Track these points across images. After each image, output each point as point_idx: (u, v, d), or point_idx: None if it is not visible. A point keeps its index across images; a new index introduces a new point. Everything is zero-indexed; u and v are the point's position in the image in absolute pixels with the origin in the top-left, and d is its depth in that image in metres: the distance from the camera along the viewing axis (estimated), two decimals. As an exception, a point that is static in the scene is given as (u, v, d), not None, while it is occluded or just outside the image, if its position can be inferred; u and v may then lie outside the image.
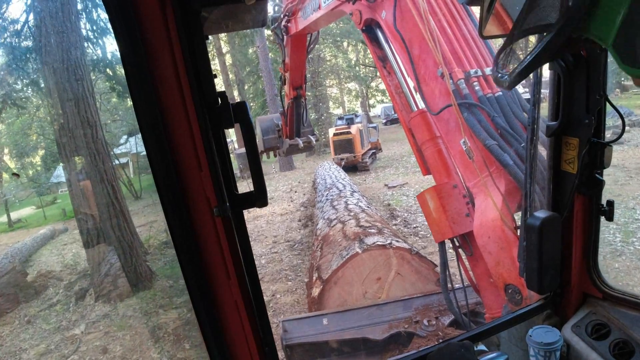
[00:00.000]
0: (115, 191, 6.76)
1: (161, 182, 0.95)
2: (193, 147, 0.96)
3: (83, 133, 6.38)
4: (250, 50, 25.75)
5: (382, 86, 36.85)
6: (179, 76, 0.92)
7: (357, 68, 30.56)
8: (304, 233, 9.12)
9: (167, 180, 0.95)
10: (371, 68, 30.63)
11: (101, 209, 6.68)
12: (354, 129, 15.79)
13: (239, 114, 0.99)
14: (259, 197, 1.03)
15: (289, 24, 4.40)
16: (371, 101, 35.98)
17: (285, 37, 4.61)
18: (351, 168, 15.70)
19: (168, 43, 0.90)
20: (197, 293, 1.03)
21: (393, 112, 30.95)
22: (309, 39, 4.58)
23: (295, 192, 14.58)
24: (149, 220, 11.37)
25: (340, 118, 18.21)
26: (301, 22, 4.08)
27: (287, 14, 4.30)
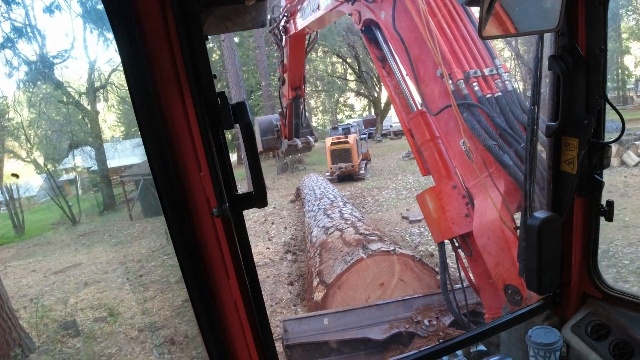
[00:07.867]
0: None
1: (161, 183, 0.95)
2: (193, 147, 0.96)
3: None
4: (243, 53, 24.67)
5: (350, 101, 35.54)
6: (178, 76, 0.92)
7: (325, 79, 29.87)
8: (303, 313, 4.95)
9: (166, 181, 0.95)
10: (339, 82, 29.92)
11: None
12: (351, 138, 15.80)
13: (239, 114, 0.99)
14: (258, 198, 1.03)
15: (287, 25, 4.40)
16: (339, 116, 35.01)
17: (283, 37, 4.61)
18: (346, 178, 15.60)
19: (168, 43, 0.90)
20: (197, 293, 1.03)
21: (363, 127, 29.66)
22: (307, 39, 4.58)
23: (273, 223, 10.49)
24: (71, 263, 8.33)
25: (335, 128, 18.11)
26: (300, 23, 4.08)
27: (286, 14, 4.30)
